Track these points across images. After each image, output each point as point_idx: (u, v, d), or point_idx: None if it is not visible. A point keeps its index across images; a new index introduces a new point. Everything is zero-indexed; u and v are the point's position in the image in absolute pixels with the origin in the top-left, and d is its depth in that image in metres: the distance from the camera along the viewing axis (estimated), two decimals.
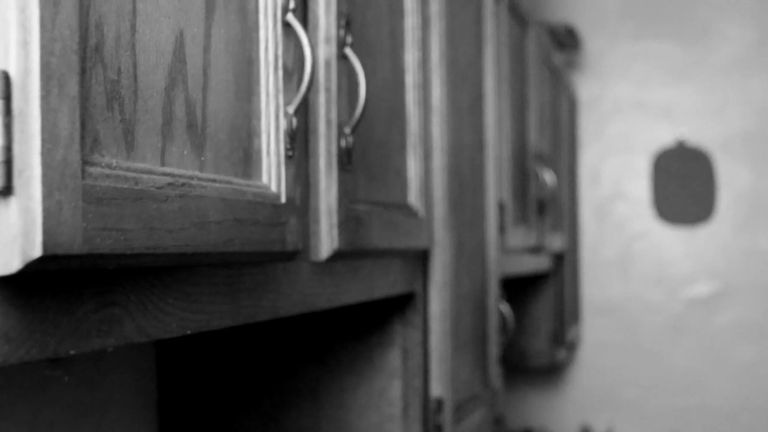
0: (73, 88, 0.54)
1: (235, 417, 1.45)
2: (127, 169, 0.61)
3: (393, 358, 1.40)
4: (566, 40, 3.16)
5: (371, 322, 1.40)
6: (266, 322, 1.19)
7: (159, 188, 0.63)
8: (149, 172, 0.63)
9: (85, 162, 0.56)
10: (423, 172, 1.34)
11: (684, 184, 3.48)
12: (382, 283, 1.22)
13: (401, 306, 1.39)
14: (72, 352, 0.58)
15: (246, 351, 1.44)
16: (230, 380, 1.44)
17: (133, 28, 0.63)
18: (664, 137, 3.48)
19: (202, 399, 1.45)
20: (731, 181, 3.45)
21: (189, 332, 0.73)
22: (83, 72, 0.57)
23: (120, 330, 0.64)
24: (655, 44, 3.48)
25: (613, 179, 3.55)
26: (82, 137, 0.56)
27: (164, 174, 0.65)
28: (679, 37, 3.45)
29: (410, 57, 1.31)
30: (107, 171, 0.58)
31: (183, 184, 0.67)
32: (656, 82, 3.49)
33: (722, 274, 3.45)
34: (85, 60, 0.57)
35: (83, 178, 0.54)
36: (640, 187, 3.53)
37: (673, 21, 3.45)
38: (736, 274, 3.44)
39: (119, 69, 0.61)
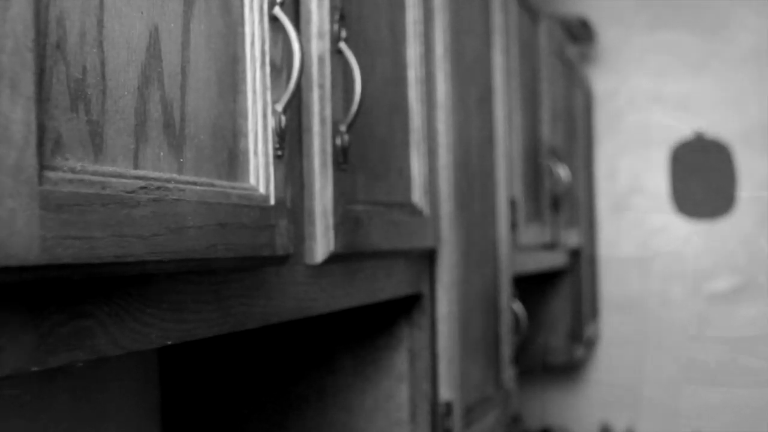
0: (27, 87, 0.50)
1: (240, 423, 1.42)
2: (94, 173, 0.57)
3: (400, 361, 1.37)
4: (580, 32, 3.11)
5: (377, 325, 1.37)
6: (271, 326, 1.16)
7: (130, 192, 0.60)
8: (119, 175, 0.60)
9: (44, 166, 0.52)
10: (427, 170, 1.30)
11: (703, 178, 3.41)
12: (385, 284, 1.19)
13: (408, 307, 1.35)
14: (35, 368, 0.55)
15: (251, 355, 1.40)
16: (235, 385, 1.41)
17: (100, 24, 0.60)
18: (682, 130, 3.42)
19: (206, 405, 1.42)
20: (751, 173, 3.38)
21: (170, 342, 0.70)
22: (42, 71, 0.53)
23: (92, 344, 0.60)
24: (671, 35, 3.42)
25: (630, 173, 3.50)
26: (41, 140, 0.52)
27: (136, 177, 0.62)
28: (696, 28, 3.39)
29: (412, 51, 1.27)
30: (70, 175, 0.54)
31: (158, 188, 0.63)
32: (673, 73, 3.43)
33: (743, 269, 3.39)
34: (45, 58, 0.54)
35: (41, 183, 0.51)
36: (658, 180, 3.47)
37: (689, 11, 3.39)
38: (757, 269, 3.37)
39: (84, 67, 0.58)
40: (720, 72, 3.39)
